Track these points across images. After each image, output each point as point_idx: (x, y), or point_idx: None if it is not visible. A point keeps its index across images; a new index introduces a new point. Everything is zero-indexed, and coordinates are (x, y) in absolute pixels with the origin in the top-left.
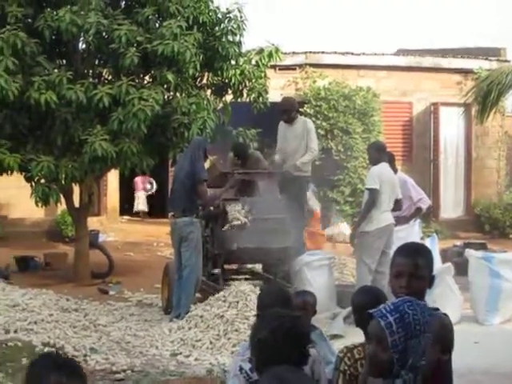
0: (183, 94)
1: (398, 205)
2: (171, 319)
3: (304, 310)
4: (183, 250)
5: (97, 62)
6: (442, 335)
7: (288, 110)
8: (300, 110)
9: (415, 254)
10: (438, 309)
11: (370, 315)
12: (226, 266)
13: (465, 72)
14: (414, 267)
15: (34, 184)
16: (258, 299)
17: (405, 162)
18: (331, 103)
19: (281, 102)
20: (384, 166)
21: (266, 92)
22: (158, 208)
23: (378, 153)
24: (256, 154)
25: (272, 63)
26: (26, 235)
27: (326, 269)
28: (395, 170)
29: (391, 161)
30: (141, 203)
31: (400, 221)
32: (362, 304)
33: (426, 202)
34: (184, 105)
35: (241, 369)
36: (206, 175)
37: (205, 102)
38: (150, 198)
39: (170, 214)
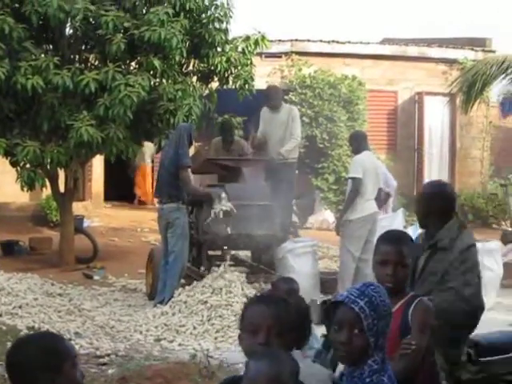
0: (169, 81)
1: (379, 193)
2: (155, 305)
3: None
4: (169, 236)
5: (84, 48)
6: (427, 320)
7: (273, 98)
8: (285, 97)
9: (400, 242)
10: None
11: (334, 303)
12: (210, 253)
13: (450, 62)
14: (399, 255)
15: (19, 169)
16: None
17: (389, 150)
18: (316, 91)
19: (266, 89)
20: (367, 155)
21: (252, 79)
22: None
23: (358, 142)
24: (241, 141)
25: (258, 51)
26: (11, 219)
27: (309, 256)
28: None
29: None
30: None
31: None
32: None
33: (392, 186)
34: (170, 91)
35: None
36: (189, 161)
37: (191, 89)
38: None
39: (157, 200)
